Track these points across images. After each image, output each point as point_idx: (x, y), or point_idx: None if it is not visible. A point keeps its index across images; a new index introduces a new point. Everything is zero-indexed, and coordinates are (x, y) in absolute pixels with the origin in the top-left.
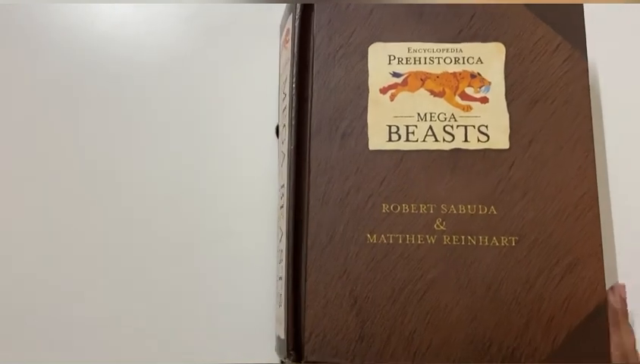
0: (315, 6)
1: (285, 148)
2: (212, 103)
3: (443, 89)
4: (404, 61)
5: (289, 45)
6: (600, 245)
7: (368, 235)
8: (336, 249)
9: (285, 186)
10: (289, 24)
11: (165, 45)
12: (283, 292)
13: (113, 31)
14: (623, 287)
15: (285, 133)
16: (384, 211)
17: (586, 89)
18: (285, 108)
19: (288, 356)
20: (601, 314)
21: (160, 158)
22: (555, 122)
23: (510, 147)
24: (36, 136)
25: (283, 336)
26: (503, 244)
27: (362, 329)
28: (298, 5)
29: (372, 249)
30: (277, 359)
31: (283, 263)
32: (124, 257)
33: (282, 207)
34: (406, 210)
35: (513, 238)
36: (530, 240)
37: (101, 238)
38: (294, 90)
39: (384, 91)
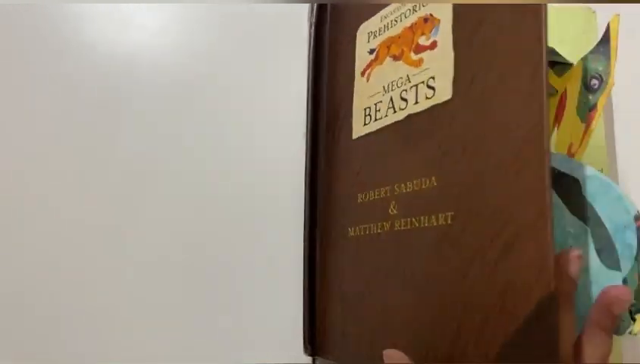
0: (329, 7)
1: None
2: (247, 108)
3: (402, 50)
4: (377, 33)
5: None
6: (549, 205)
7: (349, 229)
8: (333, 245)
9: (304, 187)
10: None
11: (201, 50)
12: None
13: (150, 39)
14: (617, 292)
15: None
16: (359, 201)
17: None
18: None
19: (305, 349)
20: (549, 306)
21: (191, 160)
22: (500, 47)
23: (453, 95)
24: (76, 139)
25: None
26: (440, 223)
27: (345, 325)
28: (314, 13)
29: (350, 242)
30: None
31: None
32: (157, 257)
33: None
34: (371, 197)
35: (449, 214)
36: (466, 214)
37: (133, 238)
38: (310, 93)
39: (363, 73)
